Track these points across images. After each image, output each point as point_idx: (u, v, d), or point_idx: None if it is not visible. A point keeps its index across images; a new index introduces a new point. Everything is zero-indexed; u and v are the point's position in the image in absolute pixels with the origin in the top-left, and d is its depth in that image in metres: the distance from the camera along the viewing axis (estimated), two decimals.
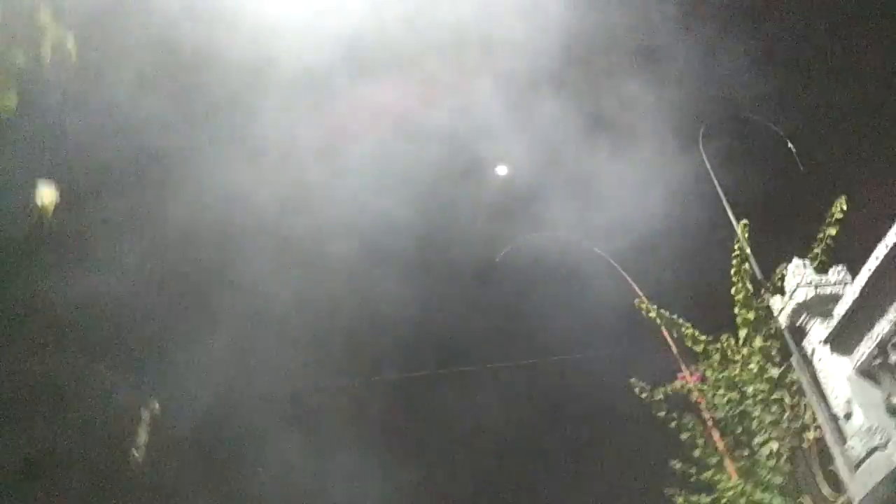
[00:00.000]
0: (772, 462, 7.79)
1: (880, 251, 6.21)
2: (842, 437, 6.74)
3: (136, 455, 10.87)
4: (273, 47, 9.93)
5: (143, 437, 10.98)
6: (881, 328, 6.31)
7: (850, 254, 7.33)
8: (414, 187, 11.68)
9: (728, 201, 9.14)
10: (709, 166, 9.28)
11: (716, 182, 9.15)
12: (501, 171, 13.03)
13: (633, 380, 9.35)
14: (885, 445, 6.17)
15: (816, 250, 8.06)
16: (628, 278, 10.31)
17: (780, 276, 8.11)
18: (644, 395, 9.21)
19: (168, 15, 9.17)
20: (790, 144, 9.95)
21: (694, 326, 9.15)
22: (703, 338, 8.95)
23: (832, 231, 8.11)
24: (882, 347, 6.34)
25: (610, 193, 10.52)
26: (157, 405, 11.20)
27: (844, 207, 8.20)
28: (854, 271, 6.76)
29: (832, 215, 8.18)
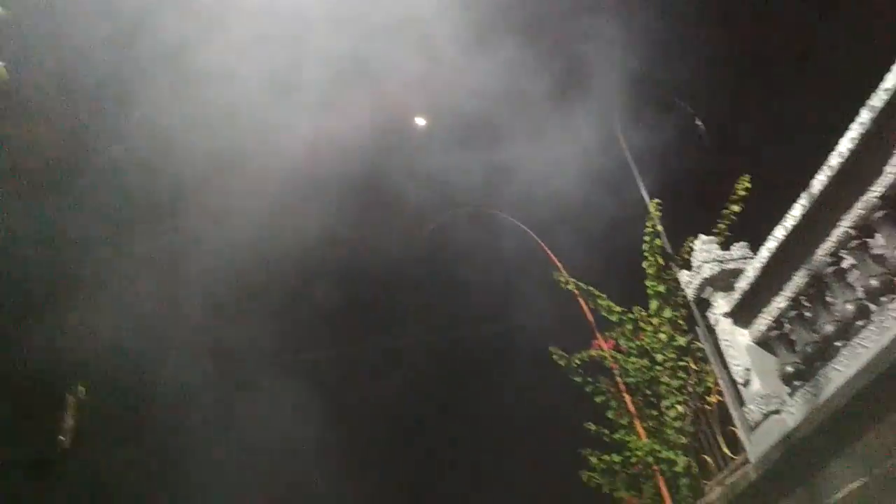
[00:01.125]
0: (677, 423, 8.42)
1: (779, 232, 6.74)
2: (741, 402, 7.35)
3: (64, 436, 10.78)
4: None
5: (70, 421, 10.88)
6: (778, 303, 6.88)
7: (754, 231, 7.85)
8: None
9: (642, 179, 9.64)
10: (624, 146, 9.74)
11: (630, 160, 9.62)
12: (420, 124, 13.11)
13: (551, 347, 9.83)
14: (779, 411, 6.79)
15: (721, 226, 8.60)
16: (547, 250, 10.76)
17: (688, 250, 8.64)
18: (562, 362, 9.70)
19: None
20: (699, 122, 10.51)
21: (609, 297, 9.66)
22: (617, 308, 9.46)
23: (735, 208, 8.67)
24: (778, 321, 6.93)
25: (529, 167, 10.87)
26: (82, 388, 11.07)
27: (748, 186, 8.76)
28: (756, 248, 7.31)
29: (736, 193, 8.73)
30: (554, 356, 9.76)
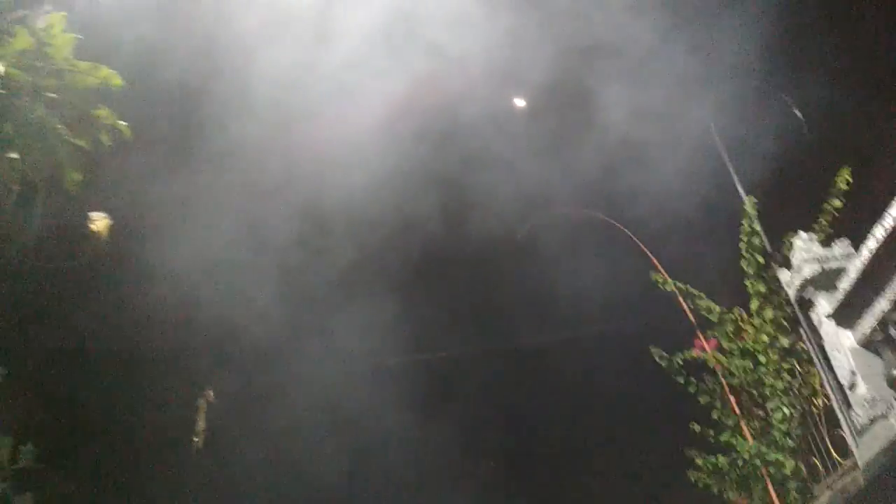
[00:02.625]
0: (784, 426, 8.27)
1: (879, 231, 6.57)
2: (848, 405, 7.20)
3: None
4: None
5: None
6: (882, 305, 6.71)
7: (856, 226, 7.62)
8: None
9: (738, 175, 9.48)
10: (719, 142, 9.60)
11: (726, 158, 9.47)
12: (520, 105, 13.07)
13: (652, 347, 9.78)
14: (886, 415, 6.63)
15: (822, 222, 8.36)
16: (646, 250, 10.70)
17: (788, 247, 8.46)
18: (664, 363, 9.65)
19: None
20: (798, 113, 10.21)
21: (708, 297, 9.55)
22: (717, 308, 9.35)
23: (836, 203, 8.41)
24: (883, 323, 6.76)
25: (627, 165, 10.84)
26: None
27: (849, 179, 8.49)
28: (858, 245, 7.12)
29: (836, 187, 8.47)
30: (655, 357, 9.71)
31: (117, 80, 6.78)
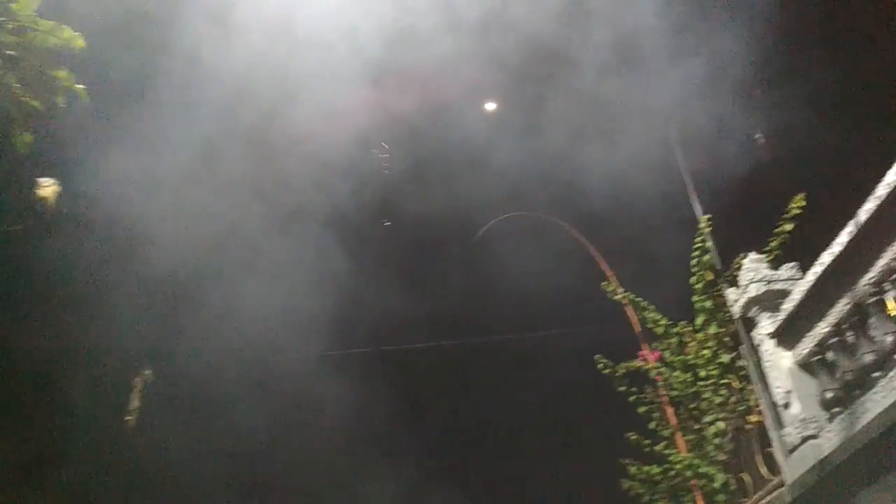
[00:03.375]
0: (717, 440, 8.45)
1: (826, 257, 6.74)
2: (780, 424, 7.36)
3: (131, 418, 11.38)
4: None
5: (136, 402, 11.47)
6: (821, 328, 6.88)
7: (806, 251, 7.79)
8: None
9: (697, 193, 9.62)
10: (679, 158, 9.73)
11: (684, 173, 9.61)
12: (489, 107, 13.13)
13: (597, 356, 9.92)
14: (816, 436, 6.80)
15: (772, 244, 8.56)
16: (599, 258, 10.84)
17: (737, 266, 8.64)
18: (607, 371, 9.79)
19: None
20: (758, 136, 10.42)
21: (656, 309, 9.71)
22: (663, 321, 9.51)
23: (788, 227, 8.62)
24: (821, 346, 6.93)
25: (586, 175, 10.92)
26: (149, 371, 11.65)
27: (802, 205, 8.70)
28: (806, 269, 7.29)
29: (789, 212, 8.67)
30: (599, 364, 9.85)
31: (80, 42, 6.61)
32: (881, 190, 5.92)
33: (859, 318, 6.41)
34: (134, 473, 11.77)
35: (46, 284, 10.31)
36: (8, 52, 6.39)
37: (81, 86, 6.54)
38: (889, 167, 5.83)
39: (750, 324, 8.11)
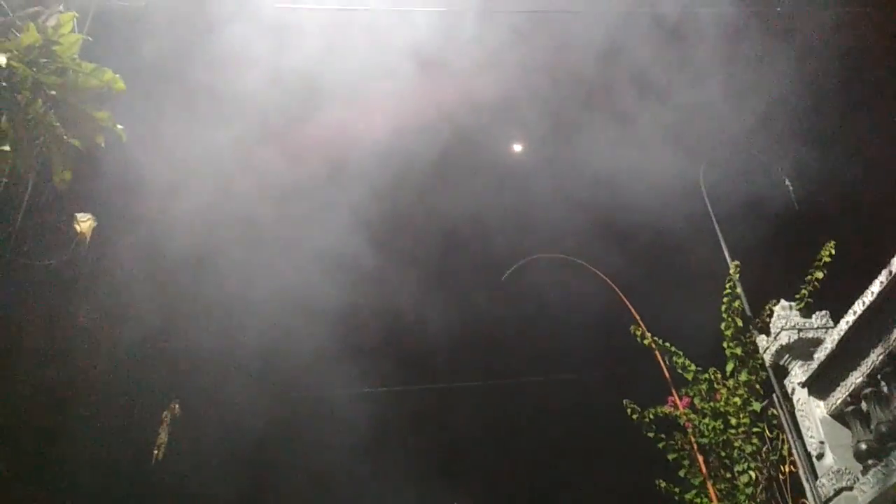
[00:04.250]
0: (749, 490, 8.29)
1: (858, 307, 6.67)
2: (814, 474, 7.24)
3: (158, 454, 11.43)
4: None
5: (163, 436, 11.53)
6: (855, 378, 6.80)
7: (837, 298, 7.72)
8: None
9: (725, 239, 9.59)
10: (708, 204, 9.73)
11: (714, 220, 9.60)
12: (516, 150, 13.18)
13: (626, 401, 9.81)
14: (851, 487, 6.67)
15: (803, 292, 8.47)
16: (627, 303, 10.75)
17: (768, 312, 8.56)
18: (636, 416, 9.67)
19: None
20: (788, 183, 10.40)
21: (685, 355, 9.61)
22: (692, 367, 9.41)
23: (819, 275, 8.51)
24: (855, 396, 6.83)
25: (616, 220, 10.96)
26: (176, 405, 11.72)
27: (833, 252, 8.61)
28: (837, 317, 7.22)
29: (820, 259, 8.59)
30: (628, 410, 9.74)
31: (120, 84, 6.82)
32: None
33: (893, 368, 6.32)
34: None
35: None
36: (50, 92, 6.61)
37: (121, 126, 6.74)
38: None
39: (782, 372, 8.03)
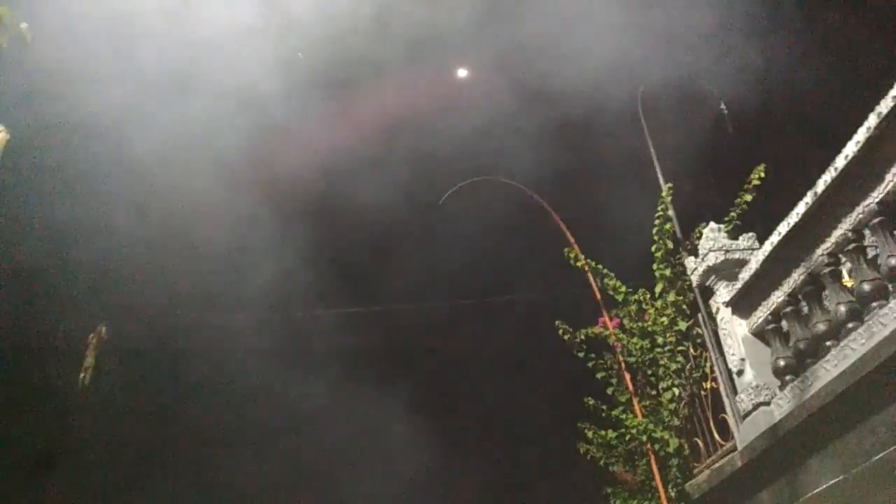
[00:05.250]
0: (673, 405, 8.56)
1: (782, 228, 6.80)
2: (734, 390, 7.49)
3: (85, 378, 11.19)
4: None
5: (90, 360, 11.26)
6: (776, 297, 6.98)
7: (766, 220, 7.84)
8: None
9: (658, 160, 9.64)
10: (644, 126, 9.72)
11: (649, 141, 9.62)
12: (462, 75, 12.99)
13: (558, 322, 9.96)
14: (768, 402, 6.92)
15: (732, 214, 8.61)
16: (562, 225, 10.79)
17: (697, 235, 8.69)
18: (567, 337, 9.84)
19: None
20: (723, 106, 10.45)
21: (615, 277, 9.75)
22: (623, 288, 9.55)
23: (747, 197, 8.65)
24: (775, 314, 7.03)
25: (549, 140, 10.89)
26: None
27: (762, 175, 8.73)
28: (763, 240, 7.37)
29: (750, 182, 8.71)
30: (559, 330, 9.90)
31: None
32: (839, 161, 5.96)
33: (814, 288, 6.50)
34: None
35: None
36: None
37: (25, 24, 6.19)
38: (850, 139, 5.87)
39: (708, 293, 8.20)
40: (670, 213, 9.02)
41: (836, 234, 6.14)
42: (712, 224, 8.25)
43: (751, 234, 8.03)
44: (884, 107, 5.45)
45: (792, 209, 6.67)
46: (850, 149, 5.78)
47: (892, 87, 5.43)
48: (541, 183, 11.32)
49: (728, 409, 7.57)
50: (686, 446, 8.44)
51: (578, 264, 10.00)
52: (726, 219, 8.61)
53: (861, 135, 5.66)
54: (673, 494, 8.34)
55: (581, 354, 9.77)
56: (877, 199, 5.64)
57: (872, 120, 5.56)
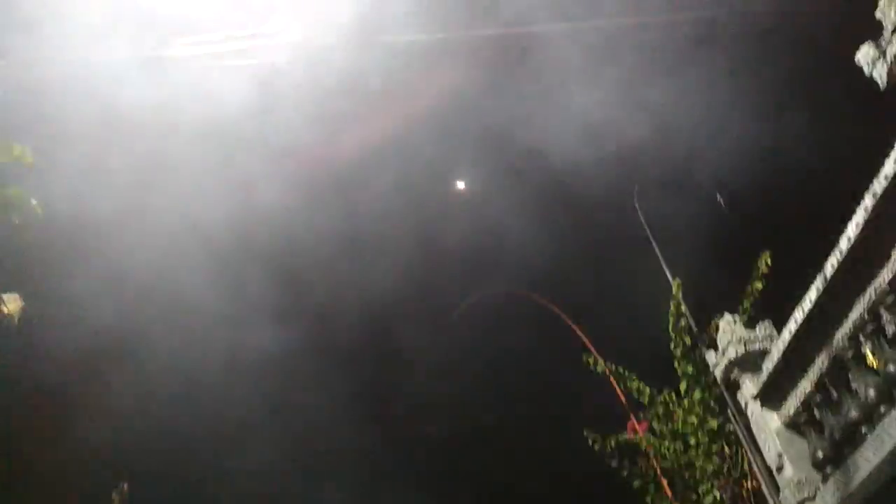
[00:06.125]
0: None
1: (798, 315, 6.68)
2: (776, 487, 7.18)
3: None
4: None
5: None
6: (804, 386, 6.78)
7: (780, 306, 7.70)
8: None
9: (663, 256, 9.61)
10: (645, 224, 9.75)
11: (651, 239, 9.62)
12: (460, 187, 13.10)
13: (586, 431, 9.69)
14: (813, 497, 6.62)
15: (745, 304, 8.48)
16: (577, 331, 10.69)
17: (714, 327, 8.54)
18: (597, 446, 9.56)
19: None
20: (720, 198, 10.52)
21: (639, 377, 9.55)
22: (647, 390, 9.35)
23: (758, 285, 8.55)
24: (806, 404, 6.81)
25: (553, 249, 10.93)
26: None
27: (769, 262, 8.65)
28: (781, 326, 7.22)
29: (758, 270, 8.62)
30: (589, 440, 9.62)
31: (29, 158, 6.54)
32: (843, 244, 5.90)
33: (840, 372, 6.32)
34: None
35: None
36: None
37: (35, 201, 6.42)
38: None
39: (734, 386, 7.99)
40: (683, 308, 8.91)
41: (853, 316, 6.02)
42: (727, 316, 8.11)
43: (767, 321, 7.88)
44: (878, 187, 5.44)
45: (804, 294, 6.57)
46: (852, 231, 5.74)
47: (882, 165, 5.44)
48: (550, 294, 11.30)
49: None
50: None
51: (598, 369, 9.84)
52: (741, 308, 8.47)
53: (860, 216, 5.63)
54: None
55: (614, 463, 9.47)
56: (887, 280, 5.55)
57: (868, 201, 5.54)
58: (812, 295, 6.41)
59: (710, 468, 8.34)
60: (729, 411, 8.02)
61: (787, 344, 6.88)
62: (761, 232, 9.70)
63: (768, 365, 7.25)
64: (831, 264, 6.09)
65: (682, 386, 8.87)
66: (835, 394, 6.44)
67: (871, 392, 5.83)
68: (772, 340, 7.48)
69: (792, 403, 7.01)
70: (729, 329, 7.86)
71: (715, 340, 8.24)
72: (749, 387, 7.54)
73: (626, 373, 9.67)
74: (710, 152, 10.11)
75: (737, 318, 8.08)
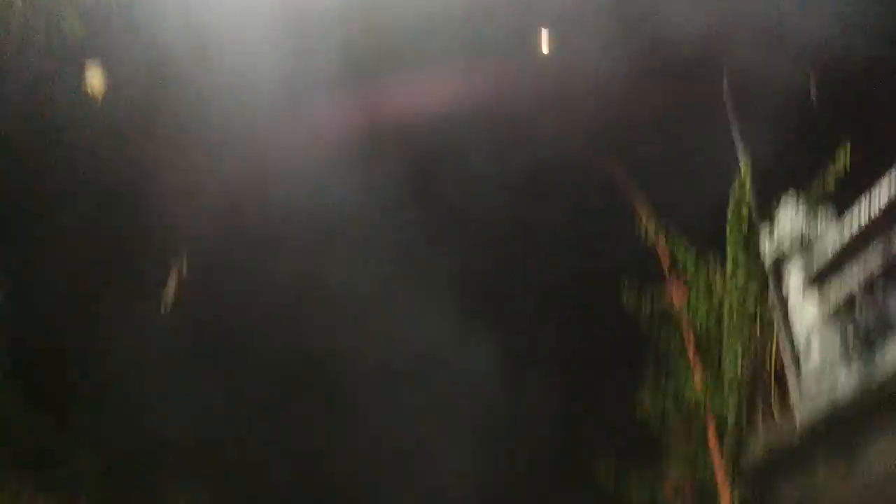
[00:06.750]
0: (734, 383, 8.59)
1: (860, 213, 6.74)
2: (799, 373, 7.49)
3: None
4: None
5: None
6: (850, 284, 6.92)
7: (845, 203, 7.67)
8: None
9: (742, 133, 9.47)
10: (728, 97, 9.57)
11: (731, 114, 9.47)
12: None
13: (624, 288, 9.94)
14: (833, 382, 6.91)
15: (812, 194, 8.45)
16: (635, 191, 10.81)
17: (774, 210, 8.57)
18: (633, 304, 9.85)
19: None
20: (812, 80, 10.18)
21: (687, 247, 9.71)
22: (692, 259, 9.53)
23: (831, 178, 8.49)
24: (849, 302, 6.97)
25: (633, 111, 10.80)
26: None
27: (847, 157, 8.54)
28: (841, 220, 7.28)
29: (832, 163, 8.54)
30: (625, 297, 9.91)
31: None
32: None
33: (889, 272, 6.44)
34: None
35: None
36: None
37: None
38: None
39: (781, 271, 8.13)
40: (746, 190, 8.90)
41: None
42: (790, 202, 8.08)
43: (829, 214, 7.88)
44: None
45: (872, 192, 6.58)
46: None
47: None
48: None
49: (792, 387, 7.59)
50: (744, 421, 8.49)
51: (650, 230, 10.01)
52: (805, 198, 8.43)
53: None
54: (729, 467, 8.43)
55: (647, 323, 9.80)
56: None
57: None
58: (878, 193, 6.43)
59: (738, 347, 8.65)
60: (770, 297, 8.20)
61: (844, 238, 6.97)
62: (845, 123, 9.42)
63: (819, 255, 7.37)
64: None
65: (729, 266, 9.01)
66: (879, 291, 6.59)
67: None
68: (828, 237, 7.52)
69: (834, 294, 7.17)
70: (788, 217, 7.91)
71: (772, 225, 8.29)
72: (796, 274, 7.69)
73: (677, 238, 9.83)
74: (814, 31, 9.61)
75: (799, 209, 8.08)
